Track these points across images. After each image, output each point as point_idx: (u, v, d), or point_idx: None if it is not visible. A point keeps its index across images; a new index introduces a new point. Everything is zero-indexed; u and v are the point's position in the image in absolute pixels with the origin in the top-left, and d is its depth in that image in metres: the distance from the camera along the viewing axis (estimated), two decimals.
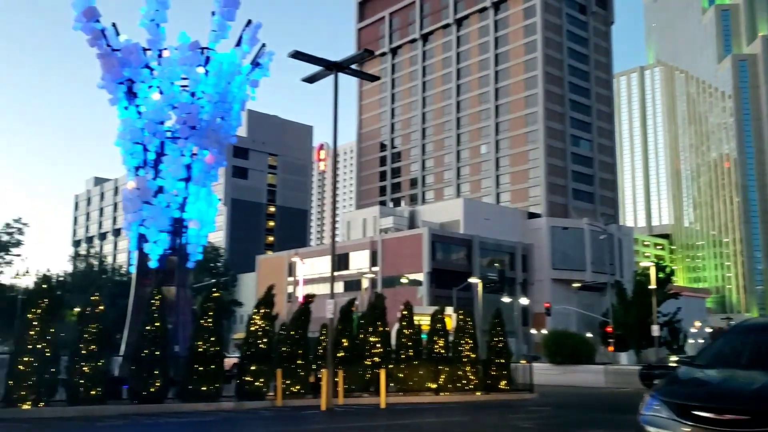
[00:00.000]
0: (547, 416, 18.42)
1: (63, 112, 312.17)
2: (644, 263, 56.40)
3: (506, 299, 65.86)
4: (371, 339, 22.04)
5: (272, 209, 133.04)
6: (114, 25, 25.24)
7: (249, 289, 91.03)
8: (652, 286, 44.76)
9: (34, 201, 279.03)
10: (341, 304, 22.42)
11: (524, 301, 73.99)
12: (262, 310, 19.96)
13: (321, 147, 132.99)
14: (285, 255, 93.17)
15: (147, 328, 17.97)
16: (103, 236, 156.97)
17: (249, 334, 19.66)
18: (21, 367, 15.94)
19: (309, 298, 21.57)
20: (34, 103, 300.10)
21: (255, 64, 26.80)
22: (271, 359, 19.51)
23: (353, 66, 20.43)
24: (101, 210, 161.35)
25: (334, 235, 21.43)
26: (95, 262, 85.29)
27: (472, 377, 23.59)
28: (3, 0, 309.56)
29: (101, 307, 17.35)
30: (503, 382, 24.31)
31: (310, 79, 20.03)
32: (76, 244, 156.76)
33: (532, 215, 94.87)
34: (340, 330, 21.73)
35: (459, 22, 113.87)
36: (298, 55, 18.61)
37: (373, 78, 23.72)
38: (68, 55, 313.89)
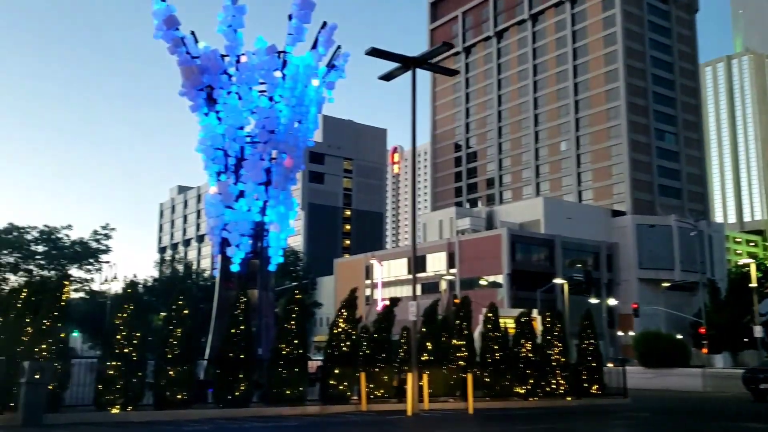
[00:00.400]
0: (648, 424, 17.30)
1: (148, 122, 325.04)
2: (742, 261, 53.34)
3: (593, 300, 63.68)
4: (456, 342, 21.38)
5: (348, 213, 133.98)
6: (193, 33, 25.55)
7: (328, 292, 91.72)
8: (753, 284, 42.14)
9: (122, 210, 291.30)
10: (423, 307, 21.86)
11: (613, 302, 71.38)
12: (345, 313, 19.63)
13: (395, 150, 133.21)
14: (362, 258, 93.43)
15: (231, 331, 17.90)
16: (187, 242, 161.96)
17: (332, 337, 19.37)
18: (109, 371, 16.13)
19: (392, 301, 21.14)
20: (120, 114, 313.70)
21: (331, 66, 26.66)
22: (355, 362, 19.15)
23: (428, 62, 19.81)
24: (185, 217, 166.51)
25: (414, 237, 20.90)
26: (180, 268, 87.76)
27: (561, 382, 22.62)
28: (87, 11, 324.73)
29: (186, 311, 17.38)
30: (595, 387, 23.22)
31: (387, 77, 19.59)
32: (162, 250, 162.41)
33: (617, 213, 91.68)
34: (424, 333, 21.17)
35: (534, 18, 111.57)
36: (374, 53, 18.21)
37: (452, 72, 23.10)
38: (152, 65, 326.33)
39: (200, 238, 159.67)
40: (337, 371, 18.77)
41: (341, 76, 27.42)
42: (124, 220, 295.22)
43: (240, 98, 25.21)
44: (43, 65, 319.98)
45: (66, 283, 16.54)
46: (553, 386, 22.44)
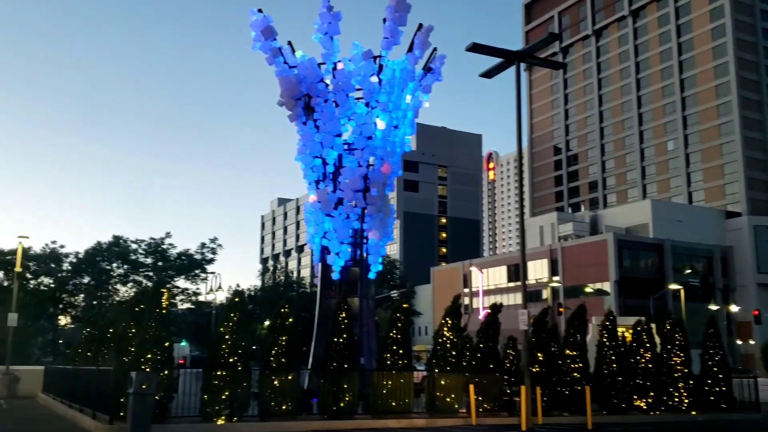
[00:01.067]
0: None
1: (249, 136, 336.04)
2: None
3: (713, 307, 59.75)
4: (569, 352, 20.13)
5: (444, 220, 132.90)
6: (290, 43, 25.62)
7: (425, 300, 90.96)
8: None
9: (225, 222, 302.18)
10: (524, 316, 20.74)
11: (734, 308, 66.84)
12: (450, 321, 18.85)
13: (489, 156, 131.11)
14: (459, 266, 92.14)
15: (334, 340, 17.47)
16: (287, 253, 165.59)
17: (438, 346, 18.61)
18: (215, 381, 16.00)
19: (495, 309, 20.15)
20: (222, 128, 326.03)
21: (427, 69, 26.10)
22: (462, 373, 18.30)
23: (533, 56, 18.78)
24: (285, 228, 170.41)
25: (524, 241, 19.85)
26: (282, 277, 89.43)
27: (685, 394, 20.92)
28: (188, 22, 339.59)
29: (290, 320, 17.08)
30: (722, 401, 21.36)
31: (489, 74, 18.73)
32: (264, 261, 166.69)
33: (731, 214, 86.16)
34: (534, 343, 20.04)
35: (635, 14, 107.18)
36: (476, 48, 17.42)
37: (559, 65, 21.91)
38: (252, 77, 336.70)
39: (300, 249, 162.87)
40: (443, 382, 17.98)
41: (438, 79, 26.83)
42: (228, 232, 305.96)
43: (337, 105, 25.01)
44: (150, 82, 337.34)
45: (165, 290, 16.55)
46: (676, 399, 20.79)
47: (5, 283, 50.57)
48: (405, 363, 17.79)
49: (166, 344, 15.71)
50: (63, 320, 59.40)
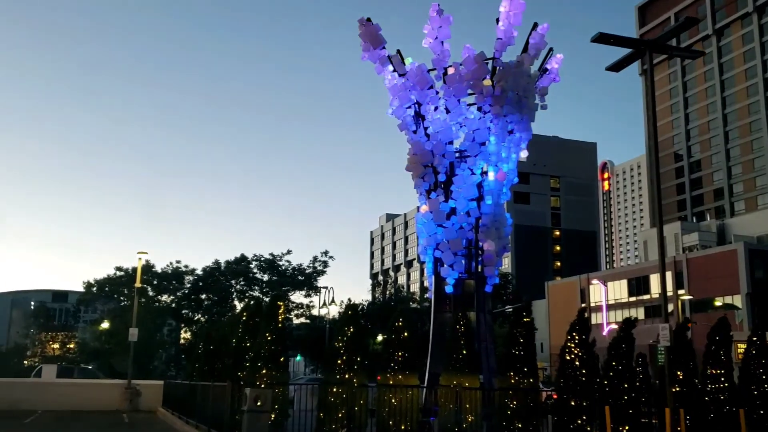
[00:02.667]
0: None
1: (355, 154, 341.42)
2: None
3: None
4: (713, 371, 18.09)
5: (557, 233, 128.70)
6: (398, 51, 25.04)
7: (540, 316, 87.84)
8: None
9: (335, 238, 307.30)
10: (654, 331, 18.88)
11: None
12: (577, 337, 17.34)
13: (604, 166, 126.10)
14: (575, 280, 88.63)
15: (453, 356, 16.44)
16: (397, 268, 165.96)
17: (564, 364, 17.15)
18: (331, 398, 15.37)
19: (629, 323, 18.41)
20: (331, 146, 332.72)
21: (543, 70, 24.80)
22: (593, 393, 16.75)
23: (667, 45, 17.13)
24: (394, 243, 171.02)
25: (662, 251, 18.10)
26: (392, 290, 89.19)
27: None
28: (293, 34, 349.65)
29: (406, 334, 16.23)
30: None
31: (617, 66, 17.25)
32: (374, 276, 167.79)
33: None
34: (673, 361, 18.15)
35: (761, 9, 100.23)
36: (602, 38, 16.04)
37: (697, 54, 20.05)
38: (360, 89, 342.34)
39: (408, 264, 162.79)
40: (573, 403, 16.50)
41: (555, 79, 25.51)
42: (338, 248, 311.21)
43: (448, 112, 24.15)
44: (262, 97, 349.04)
45: (280, 303, 16.13)
46: None
47: (126, 302, 52.93)
48: (530, 382, 16.47)
49: (281, 359, 15.22)
50: (184, 336, 61.52)
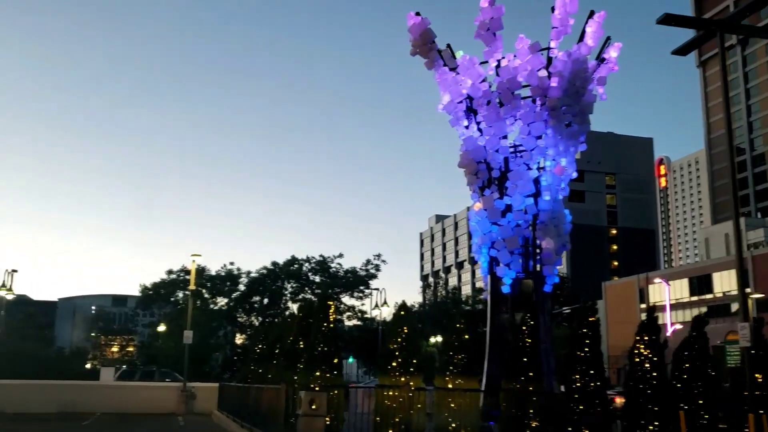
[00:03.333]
0: None
1: (403, 154, 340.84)
2: None
3: None
4: None
5: (614, 232, 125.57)
6: (449, 46, 24.37)
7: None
8: None
9: (384, 239, 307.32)
10: (722, 331, 17.74)
11: None
12: (646, 337, 16.37)
13: (660, 162, 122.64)
14: (633, 279, 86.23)
15: (516, 359, 15.69)
16: (447, 269, 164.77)
17: (633, 367, 16.22)
18: (387, 401, 14.83)
19: (701, 321, 17.33)
20: (378, 147, 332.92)
21: (600, 60, 23.79)
22: (665, 397, 15.78)
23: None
24: (444, 245, 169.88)
25: (740, 248, 17.00)
26: (443, 293, 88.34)
27: None
28: (343, 39, 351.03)
29: (466, 336, 15.57)
30: None
31: (684, 49, 16.28)
32: (424, 278, 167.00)
33: None
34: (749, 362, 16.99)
35: None
36: (668, 20, 15.12)
37: None
38: (408, 92, 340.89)
39: (459, 265, 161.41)
40: (645, 408, 15.55)
41: (613, 69, 24.47)
42: (386, 249, 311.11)
43: (502, 105, 23.38)
44: (310, 96, 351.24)
45: (330, 303, 15.66)
46: None
47: (181, 304, 53.48)
48: (597, 386, 15.60)
49: (335, 361, 14.75)
50: (238, 338, 61.95)
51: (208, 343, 54.33)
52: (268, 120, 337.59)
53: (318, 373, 14.36)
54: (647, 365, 15.99)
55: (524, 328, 16.48)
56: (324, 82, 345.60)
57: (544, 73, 23.01)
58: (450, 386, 15.13)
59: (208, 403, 29.97)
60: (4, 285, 39.29)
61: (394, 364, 14.92)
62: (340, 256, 59.31)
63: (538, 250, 22.90)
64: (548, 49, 22.91)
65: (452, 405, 14.96)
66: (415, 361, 15.06)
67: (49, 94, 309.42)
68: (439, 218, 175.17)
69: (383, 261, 59.15)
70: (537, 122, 22.78)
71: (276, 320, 56.18)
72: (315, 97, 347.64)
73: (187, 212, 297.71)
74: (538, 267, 22.83)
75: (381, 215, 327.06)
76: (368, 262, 59.34)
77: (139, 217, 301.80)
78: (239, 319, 59.61)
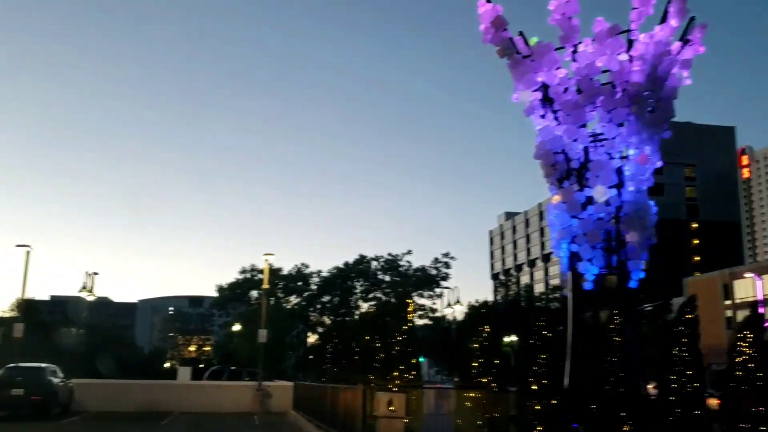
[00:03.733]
0: None
1: (469, 150, 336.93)
2: None
3: None
4: None
5: (694, 225, 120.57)
6: (521, 33, 23.46)
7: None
8: None
9: (450, 237, 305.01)
10: None
11: None
12: (749, 335, 15.13)
13: (743, 151, 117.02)
14: (717, 275, 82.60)
15: (605, 358, 14.74)
16: (518, 268, 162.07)
17: (733, 366, 15.02)
18: (467, 402, 14.15)
19: None
20: (449, 142, 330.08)
21: (684, 41, 22.39)
22: None
23: None
24: (514, 243, 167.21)
25: None
26: (516, 291, 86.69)
27: None
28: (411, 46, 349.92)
29: (549, 335, 14.73)
30: None
31: None
32: (494, 277, 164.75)
33: None
34: None
35: None
36: None
37: None
38: (473, 85, 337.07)
39: (531, 263, 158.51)
40: (751, 410, 14.35)
41: (698, 51, 23.03)
42: (453, 247, 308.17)
43: (580, 92, 22.32)
44: (378, 99, 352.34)
45: (409, 301, 15.12)
46: None
47: (254, 304, 54.00)
48: (695, 387, 14.49)
49: (413, 360, 14.18)
50: (311, 337, 62.31)
51: (282, 342, 54.77)
52: (340, 121, 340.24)
53: (396, 373, 13.82)
54: (751, 365, 14.78)
55: (611, 326, 15.52)
56: (391, 81, 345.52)
57: (624, 56, 21.91)
58: (534, 387, 14.31)
59: (283, 402, 29.91)
60: (85, 287, 40.51)
61: (475, 364, 14.23)
62: (409, 252, 58.90)
63: (622, 245, 21.83)
64: (628, 31, 21.78)
65: (537, 408, 14.14)
66: (497, 361, 14.33)
67: (141, 86, 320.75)
68: (509, 215, 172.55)
69: (452, 258, 58.37)
70: (618, 109, 21.70)
71: (346, 319, 56.17)
72: (384, 96, 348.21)
73: (258, 213, 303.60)
74: (622, 262, 21.78)
75: (448, 214, 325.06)
76: (436, 260, 58.69)
77: (212, 218, 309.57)
78: (311, 318, 59.91)
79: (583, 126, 22.39)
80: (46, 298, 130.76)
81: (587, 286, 21.52)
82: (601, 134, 22.10)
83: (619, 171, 21.75)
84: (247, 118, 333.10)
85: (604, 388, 14.57)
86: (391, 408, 12.79)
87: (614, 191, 21.63)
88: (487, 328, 14.54)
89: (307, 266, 59.63)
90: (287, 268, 59.20)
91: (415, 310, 57.52)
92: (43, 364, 26.77)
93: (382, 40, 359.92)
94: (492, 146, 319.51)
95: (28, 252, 33.78)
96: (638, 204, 22.05)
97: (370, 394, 13.64)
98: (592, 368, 15.69)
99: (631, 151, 21.83)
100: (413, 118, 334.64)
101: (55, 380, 26.30)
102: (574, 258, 22.31)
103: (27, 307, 52.73)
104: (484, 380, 14.25)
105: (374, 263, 59.79)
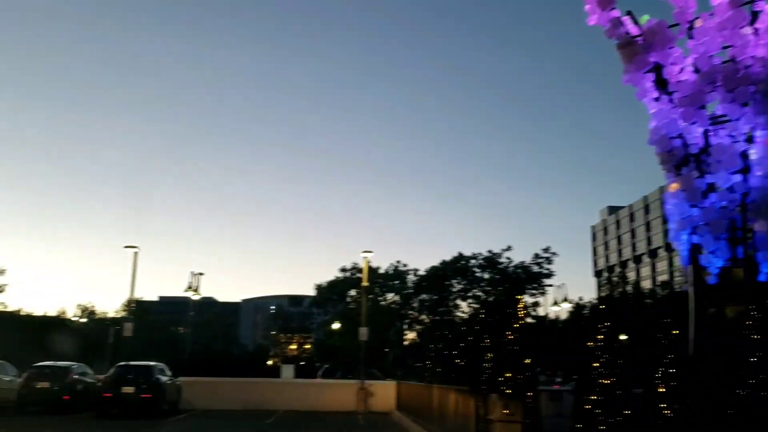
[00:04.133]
0: None
1: (573, 144, 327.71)
2: None
3: None
4: None
5: None
6: (629, 12, 21.99)
7: None
8: None
9: (553, 234, 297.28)
10: None
11: None
12: None
13: None
14: None
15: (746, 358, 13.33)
16: (623, 264, 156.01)
17: None
18: (587, 405, 13.11)
19: None
20: (552, 136, 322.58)
21: None
22: None
23: None
24: (618, 238, 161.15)
25: None
26: (623, 288, 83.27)
27: None
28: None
29: (675, 331, 13.48)
30: None
31: None
32: (597, 274, 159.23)
33: None
34: None
35: None
36: None
37: None
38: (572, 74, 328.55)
39: (637, 259, 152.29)
40: None
41: None
42: (550, 243, 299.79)
43: (698, 71, 20.65)
44: (472, 92, 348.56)
45: (519, 297, 14.21)
46: None
47: (351, 303, 54.10)
48: None
49: (526, 361, 13.29)
50: (409, 336, 61.94)
51: (383, 339, 54.64)
52: (440, 117, 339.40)
53: (508, 375, 12.99)
54: None
55: (747, 322, 14.07)
56: (493, 74, 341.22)
57: (748, 30, 20.12)
58: (662, 390, 13.09)
59: (385, 401, 29.54)
60: (191, 287, 41.68)
61: (596, 365, 13.16)
62: (509, 249, 57.31)
63: (748, 235, 20.07)
64: (752, 2, 19.98)
65: (667, 412, 12.91)
66: (621, 361, 13.21)
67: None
68: (612, 210, 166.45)
69: (554, 253, 56.41)
70: (742, 87, 19.93)
71: (444, 318, 55.39)
72: (485, 90, 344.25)
73: (355, 212, 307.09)
74: (749, 254, 20.02)
75: (546, 209, 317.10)
76: (537, 256, 56.91)
77: (310, 219, 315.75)
78: (409, 316, 59.52)
79: (702, 107, 20.79)
80: (155, 298, 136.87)
81: (711, 280, 19.94)
82: (723, 116, 20.44)
83: (744, 155, 20.05)
84: (345, 116, 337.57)
85: (739, 392, 13.14)
86: (506, 411, 12.02)
87: (739, 177, 19.98)
88: (605, 326, 13.46)
89: (405, 265, 59.28)
90: (384, 267, 59.10)
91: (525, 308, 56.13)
92: (152, 363, 27.47)
93: (489, 35, 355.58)
94: (594, 138, 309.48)
95: (136, 253, 35.01)
96: (766, 190, 20.25)
97: (483, 396, 12.92)
98: (723, 370, 14.25)
99: (758, 133, 20.08)
100: (511, 111, 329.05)
101: (164, 378, 26.93)
102: (695, 250, 20.73)
103: (137, 308, 55.02)
104: (606, 381, 13.17)
105: (472, 261, 58.70)
